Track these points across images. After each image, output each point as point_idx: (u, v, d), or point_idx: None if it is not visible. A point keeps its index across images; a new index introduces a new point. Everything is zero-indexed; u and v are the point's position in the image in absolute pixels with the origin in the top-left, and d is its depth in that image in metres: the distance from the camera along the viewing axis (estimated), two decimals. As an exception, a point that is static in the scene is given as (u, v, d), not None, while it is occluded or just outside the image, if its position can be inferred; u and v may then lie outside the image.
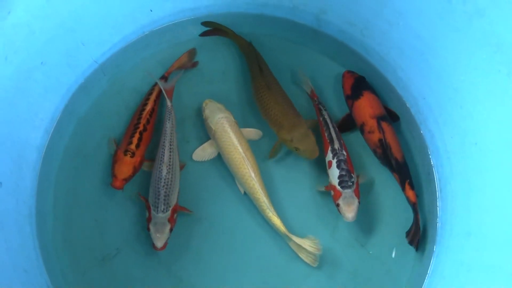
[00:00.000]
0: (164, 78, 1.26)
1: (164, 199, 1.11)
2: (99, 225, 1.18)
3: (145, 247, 1.17)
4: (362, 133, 1.23)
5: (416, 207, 1.16)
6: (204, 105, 1.23)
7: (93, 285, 1.14)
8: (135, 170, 1.16)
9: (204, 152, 1.22)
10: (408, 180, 1.17)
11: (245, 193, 1.20)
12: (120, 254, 1.16)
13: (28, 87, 1.10)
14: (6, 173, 1.07)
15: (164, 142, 1.16)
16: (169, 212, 1.11)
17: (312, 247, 1.13)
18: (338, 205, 1.13)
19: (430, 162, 1.22)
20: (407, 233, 1.16)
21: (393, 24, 1.17)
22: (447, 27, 1.05)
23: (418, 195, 1.19)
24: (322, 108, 1.23)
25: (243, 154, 1.16)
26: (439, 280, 1.11)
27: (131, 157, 1.15)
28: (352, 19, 1.24)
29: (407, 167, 1.19)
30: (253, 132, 1.24)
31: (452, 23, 1.03)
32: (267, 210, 1.15)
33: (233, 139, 1.18)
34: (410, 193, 1.17)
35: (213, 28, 1.30)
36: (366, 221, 1.19)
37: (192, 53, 1.30)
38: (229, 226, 1.19)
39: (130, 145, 1.16)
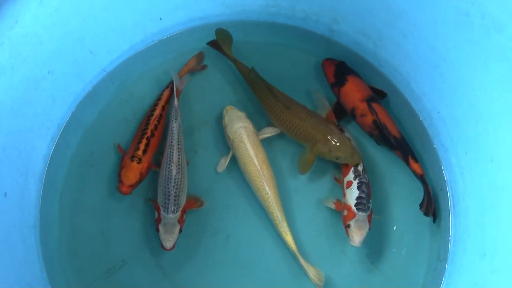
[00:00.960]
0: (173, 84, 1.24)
1: (175, 200, 1.10)
2: (105, 236, 1.17)
3: (151, 259, 1.15)
4: (354, 118, 1.23)
5: (424, 178, 1.15)
6: (224, 111, 1.22)
7: (98, 297, 1.13)
8: (142, 176, 1.15)
9: (223, 160, 1.21)
10: (410, 155, 1.17)
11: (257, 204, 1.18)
12: (126, 266, 1.15)
13: (35, 96, 1.09)
14: (12, 183, 1.05)
15: (172, 142, 1.15)
16: (179, 212, 1.10)
17: (315, 276, 1.11)
18: (348, 226, 1.10)
19: (443, 177, 1.20)
20: (421, 206, 1.15)
21: (407, 35, 1.14)
22: (463, 40, 1.03)
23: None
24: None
25: (259, 167, 1.15)
26: (452, 300, 1.09)
27: (138, 163, 1.14)
28: (365, 29, 1.22)
29: (407, 142, 1.19)
30: (271, 131, 1.22)
31: (469, 37, 1.01)
32: (279, 225, 1.13)
33: (249, 151, 1.16)
34: (416, 166, 1.16)
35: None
36: (377, 238, 1.17)
37: (200, 56, 1.28)
38: (235, 239, 1.18)
39: (137, 151, 1.15)
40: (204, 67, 1.29)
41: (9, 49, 0.96)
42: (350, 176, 1.15)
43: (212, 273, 1.15)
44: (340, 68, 1.25)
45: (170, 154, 1.14)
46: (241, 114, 1.20)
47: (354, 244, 1.08)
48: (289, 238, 1.13)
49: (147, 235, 1.17)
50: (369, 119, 1.20)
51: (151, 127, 1.18)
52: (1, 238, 1.00)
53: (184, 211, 1.12)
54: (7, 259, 1.00)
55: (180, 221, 1.10)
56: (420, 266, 1.16)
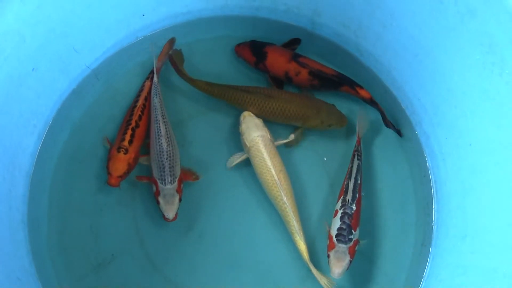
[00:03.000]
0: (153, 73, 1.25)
1: (170, 171, 1.13)
2: (94, 231, 1.18)
3: (140, 253, 1.16)
4: (291, 81, 1.26)
5: (373, 100, 1.23)
6: (241, 118, 1.21)
7: (88, 291, 1.14)
8: (130, 166, 1.16)
9: (236, 159, 1.21)
10: (355, 84, 1.24)
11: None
12: (115, 260, 1.16)
13: (20, 93, 1.09)
14: (-2, 179, 1.07)
15: (156, 116, 1.17)
16: (176, 182, 1.13)
17: (326, 286, 1.12)
18: (328, 256, 1.09)
19: (426, 164, 1.22)
20: (387, 125, 1.22)
21: (386, 25, 1.16)
22: (439, 27, 1.04)
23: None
24: (357, 156, 1.18)
25: (276, 177, 1.14)
26: (435, 282, 1.10)
27: (125, 153, 1.16)
28: (346, 21, 1.24)
29: (345, 75, 1.24)
30: (290, 141, 1.22)
31: (445, 23, 1.03)
32: (295, 234, 1.13)
33: (267, 161, 1.16)
34: (363, 92, 1.23)
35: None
36: (363, 226, 1.17)
37: (171, 42, 1.29)
38: (226, 231, 1.19)
39: (123, 142, 1.16)
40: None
41: (-9, 47, 0.97)
42: (338, 205, 1.13)
43: (202, 266, 1.16)
44: (254, 45, 1.28)
45: (158, 129, 1.16)
46: (258, 122, 1.20)
47: (333, 276, 1.08)
48: (303, 247, 1.13)
49: (136, 229, 1.18)
50: (304, 73, 1.24)
51: (135, 117, 1.19)
52: (-11, 233, 1.01)
53: (180, 181, 1.15)
54: (-5, 254, 1.02)
55: (179, 190, 1.13)
56: (406, 252, 1.18)
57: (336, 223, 1.11)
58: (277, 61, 1.25)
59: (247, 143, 1.18)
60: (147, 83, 1.25)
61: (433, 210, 1.18)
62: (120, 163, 1.15)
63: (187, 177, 1.18)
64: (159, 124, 1.17)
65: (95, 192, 1.20)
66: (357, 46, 1.27)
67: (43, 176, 1.20)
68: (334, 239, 1.09)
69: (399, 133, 1.23)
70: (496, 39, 0.94)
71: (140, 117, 1.20)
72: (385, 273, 1.16)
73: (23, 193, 1.15)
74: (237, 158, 1.21)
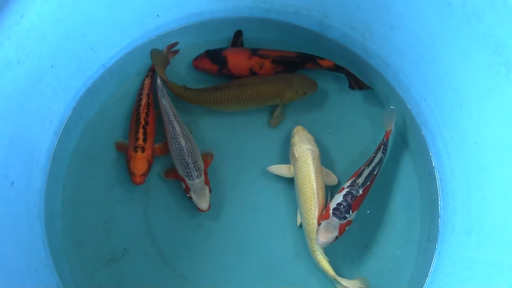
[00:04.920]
0: (152, 72, 1.28)
1: (194, 167, 1.16)
2: (107, 226, 1.20)
3: (152, 247, 1.19)
4: (257, 75, 1.28)
5: (337, 65, 1.27)
6: (294, 131, 1.23)
7: (101, 284, 1.16)
8: (150, 163, 1.19)
9: (278, 170, 1.22)
10: (316, 57, 1.28)
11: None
12: (128, 255, 1.18)
13: (39, 90, 1.12)
14: (18, 173, 1.08)
15: (169, 117, 1.20)
16: (203, 175, 1.16)
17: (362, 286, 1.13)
18: (319, 224, 1.12)
19: (432, 163, 1.24)
20: (351, 86, 1.28)
21: (394, 27, 1.18)
22: (446, 30, 1.07)
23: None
24: (383, 149, 1.19)
25: (315, 191, 1.15)
26: (441, 277, 1.13)
27: (142, 152, 1.18)
28: (354, 23, 1.26)
29: (306, 53, 1.29)
30: (331, 176, 1.22)
31: (452, 26, 1.05)
32: (317, 253, 1.14)
33: (311, 174, 1.16)
34: (325, 62, 1.28)
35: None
36: (369, 222, 1.21)
37: (172, 45, 1.32)
38: (237, 226, 1.21)
39: (138, 141, 1.18)
40: (175, 52, 1.32)
41: (15, 43, 0.99)
42: (347, 183, 1.15)
43: (213, 261, 1.18)
44: (211, 54, 1.29)
45: (173, 128, 1.19)
46: (311, 137, 1.22)
47: (317, 243, 1.11)
48: (326, 265, 1.14)
49: (148, 224, 1.20)
50: (267, 64, 1.27)
51: (142, 115, 1.21)
52: (10, 225, 1.03)
53: (206, 173, 1.18)
54: (16, 246, 1.04)
55: (206, 182, 1.17)
56: (411, 248, 1.20)
57: (338, 198, 1.13)
58: (239, 61, 1.28)
59: (296, 154, 1.19)
60: (147, 81, 1.27)
61: (439, 207, 1.21)
62: (140, 162, 1.17)
63: (207, 164, 1.21)
64: (173, 124, 1.19)
65: (108, 188, 1.22)
66: (364, 48, 1.30)
67: (58, 172, 1.22)
68: (331, 211, 1.11)
69: (366, 87, 1.29)
70: (502, 40, 0.96)
71: (147, 115, 1.22)
72: (391, 269, 1.19)
73: (40, 188, 1.18)
74: (280, 170, 1.22)
